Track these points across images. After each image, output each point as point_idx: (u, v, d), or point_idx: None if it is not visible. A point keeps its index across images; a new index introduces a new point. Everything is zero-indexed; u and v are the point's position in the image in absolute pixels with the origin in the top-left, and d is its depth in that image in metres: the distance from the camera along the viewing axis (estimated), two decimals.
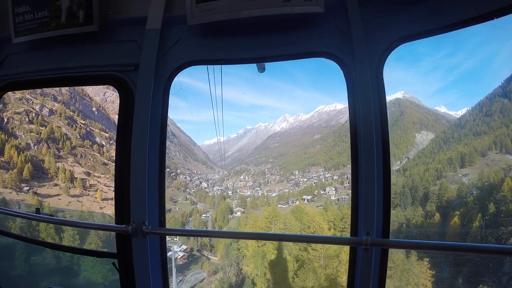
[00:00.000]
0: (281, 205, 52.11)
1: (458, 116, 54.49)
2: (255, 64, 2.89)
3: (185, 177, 63.78)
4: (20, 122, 49.07)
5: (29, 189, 43.03)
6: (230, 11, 2.15)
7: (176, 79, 2.50)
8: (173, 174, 60.81)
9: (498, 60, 77.04)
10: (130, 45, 2.49)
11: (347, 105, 2.21)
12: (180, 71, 2.48)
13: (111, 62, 2.53)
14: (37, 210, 2.84)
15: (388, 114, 2.05)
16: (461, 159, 43.88)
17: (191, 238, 44.59)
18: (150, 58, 2.34)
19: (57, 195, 44.99)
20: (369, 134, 2.00)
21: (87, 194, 47.36)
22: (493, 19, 1.81)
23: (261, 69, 3.00)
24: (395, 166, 51.32)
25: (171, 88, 2.49)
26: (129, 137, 2.33)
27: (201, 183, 62.96)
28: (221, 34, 2.35)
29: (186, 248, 43.64)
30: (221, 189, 61.05)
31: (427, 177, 42.82)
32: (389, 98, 58.47)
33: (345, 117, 72.79)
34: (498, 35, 69.81)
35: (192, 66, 2.47)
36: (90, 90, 64.12)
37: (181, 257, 41.61)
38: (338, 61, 2.21)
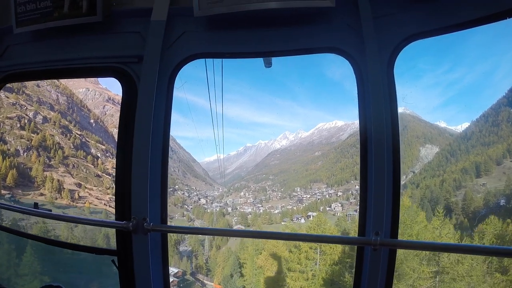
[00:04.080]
0: (284, 222, 46.77)
1: (459, 131, 52.42)
2: (262, 59, 2.65)
3: (183, 193, 58.02)
4: (11, 127, 44.09)
5: (10, 197, 36.71)
6: (238, 3, 1.98)
7: (180, 73, 2.29)
8: (171, 189, 54.96)
9: (498, 74, 77.03)
10: (134, 36, 2.27)
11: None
12: (185, 64, 2.25)
13: (114, 53, 2.30)
14: (35, 205, 2.58)
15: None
16: (476, 169, 39.75)
17: (184, 260, 39.52)
18: (155, 50, 2.14)
19: (41, 205, 38.48)
20: (380, 132, 1.85)
21: (74, 205, 41.05)
22: (506, 18, 1.69)
23: (268, 64, 2.74)
24: (402, 181, 47.37)
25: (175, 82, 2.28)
26: (131, 131, 2.13)
27: (200, 199, 57.17)
28: (228, 27, 2.16)
29: (177, 272, 36.23)
30: (220, 206, 55.41)
31: (446, 187, 37.77)
32: None
33: (346, 134, 69.63)
34: (496, 49, 69.89)
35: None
36: (89, 102, 60.32)
37: (170, 283, 33.44)
38: (348, 57, 2.03)
